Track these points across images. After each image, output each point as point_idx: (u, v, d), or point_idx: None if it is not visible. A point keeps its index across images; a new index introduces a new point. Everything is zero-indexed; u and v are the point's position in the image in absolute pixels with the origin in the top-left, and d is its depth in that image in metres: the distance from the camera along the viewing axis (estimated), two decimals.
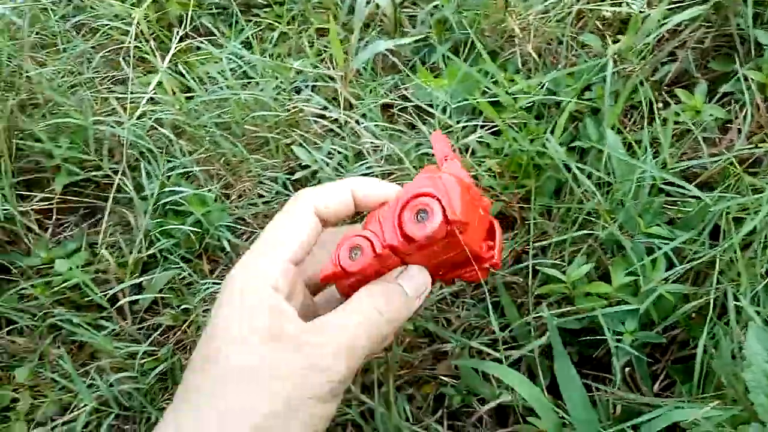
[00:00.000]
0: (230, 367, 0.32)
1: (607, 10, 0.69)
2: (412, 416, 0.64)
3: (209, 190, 0.75)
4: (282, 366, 0.32)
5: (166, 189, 0.73)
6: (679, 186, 0.57)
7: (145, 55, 0.79)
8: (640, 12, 0.64)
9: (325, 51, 0.93)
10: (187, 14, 0.90)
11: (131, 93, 0.72)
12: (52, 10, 0.84)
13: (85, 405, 0.70)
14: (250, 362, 0.33)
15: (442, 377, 0.69)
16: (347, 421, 0.69)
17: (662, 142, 0.59)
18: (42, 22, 0.81)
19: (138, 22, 0.78)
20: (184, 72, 0.80)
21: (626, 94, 0.66)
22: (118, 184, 0.78)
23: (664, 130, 0.59)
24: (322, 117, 0.78)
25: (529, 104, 0.70)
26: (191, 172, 0.75)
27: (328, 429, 0.68)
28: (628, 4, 0.66)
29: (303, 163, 0.73)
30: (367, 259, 0.37)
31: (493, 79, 0.73)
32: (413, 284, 0.37)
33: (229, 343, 0.33)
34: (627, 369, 0.54)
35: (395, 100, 0.76)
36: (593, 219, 0.64)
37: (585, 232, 0.61)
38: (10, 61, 0.78)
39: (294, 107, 0.74)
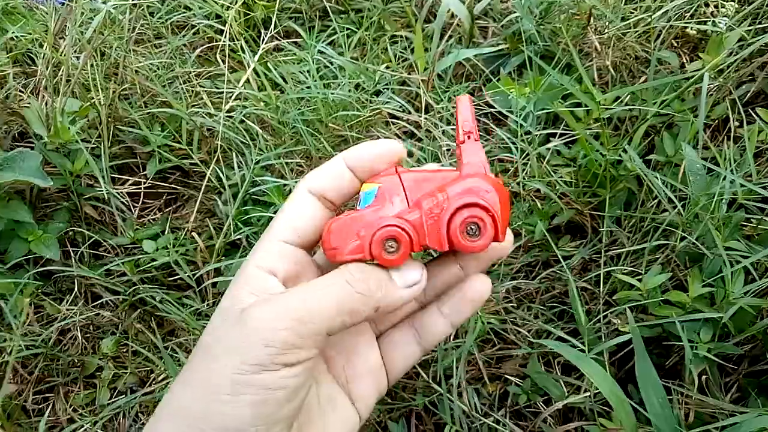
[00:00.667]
0: (195, 349, 0.35)
1: (692, 28, 0.70)
2: (479, 410, 0.66)
3: (286, 184, 0.79)
4: (228, 340, 0.33)
5: (249, 180, 0.77)
6: (761, 201, 0.58)
7: (235, 54, 0.83)
8: (727, 30, 0.65)
9: (401, 56, 0.96)
10: (271, 17, 0.94)
11: (225, 88, 0.77)
12: (150, 7, 0.90)
13: (167, 377, 0.75)
14: (206, 341, 0.34)
15: (508, 376, 0.71)
16: (411, 410, 0.72)
17: (747, 156, 0.60)
18: (144, 18, 0.86)
19: (230, 24, 0.83)
20: (270, 70, 0.85)
21: (705, 110, 0.67)
22: (203, 173, 0.83)
23: (748, 145, 0.60)
24: (399, 119, 0.81)
25: (607, 117, 0.72)
26: (274, 164, 0.79)
27: (390, 418, 0.71)
28: (714, 23, 0.67)
29: None
30: (404, 255, 0.35)
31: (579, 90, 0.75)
32: (404, 274, 0.36)
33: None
34: (704, 377, 0.55)
35: (475, 105, 0.79)
36: (667, 229, 0.65)
37: (661, 242, 0.63)
38: (110, 52, 0.84)
39: (375, 109, 0.77)
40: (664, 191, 0.62)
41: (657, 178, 0.62)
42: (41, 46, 0.87)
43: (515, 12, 0.89)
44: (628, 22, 0.75)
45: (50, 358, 0.76)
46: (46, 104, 0.81)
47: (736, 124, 0.75)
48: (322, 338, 0.32)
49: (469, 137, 0.38)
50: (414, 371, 0.71)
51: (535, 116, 0.69)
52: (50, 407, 0.75)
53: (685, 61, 0.80)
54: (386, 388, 0.40)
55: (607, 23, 0.80)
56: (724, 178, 0.61)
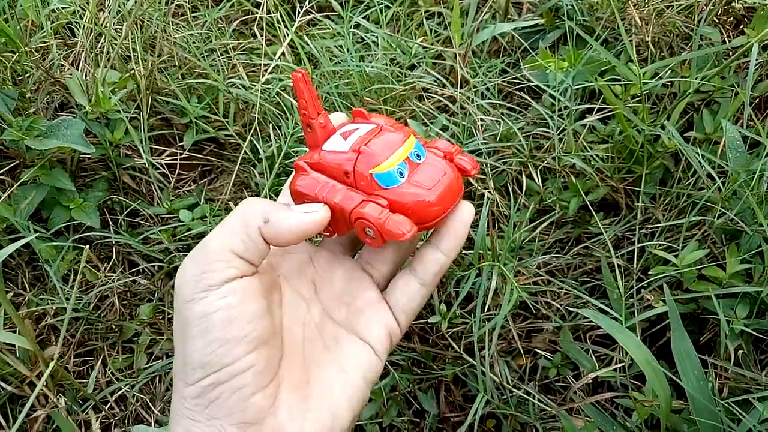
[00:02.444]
0: None
1: (738, 1, 0.69)
2: (509, 381, 0.67)
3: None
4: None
5: (285, 152, 0.77)
6: None
7: (271, 27, 0.84)
8: None
9: (435, 32, 0.96)
10: None
11: (262, 61, 0.77)
12: None
13: None
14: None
15: (538, 350, 0.71)
16: (440, 381, 0.73)
17: None
18: None
19: None
20: (306, 44, 0.85)
21: (748, 87, 0.66)
22: (237, 145, 0.84)
23: None
24: (434, 93, 0.81)
25: (646, 93, 0.71)
26: None
27: (419, 389, 0.72)
28: None
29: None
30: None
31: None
32: (305, 207, 0.37)
33: None
34: (739, 352, 0.55)
35: (511, 79, 0.79)
36: (706, 204, 0.64)
37: (699, 218, 0.62)
38: (149, 24, 0.85)
39: (409, 83, 0.77)
40: (703, 166, 0.62)
41: (698, 153, 0.62)
42: (82, 17, 0.88)
43: None
44: None
45: (90, 323, 0.78)
46: (86, 75, 0.83)
47: None
48: (232, 256, 0.34)
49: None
50: (444, 343, 0.72)
51: (573, 90, 0.68)
52: (91, 370, 0.77)
53: (727, 38, 0.79)
54: (395, 324, 0.40)
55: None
56: (766, 155, 0.60)
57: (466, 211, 0.38)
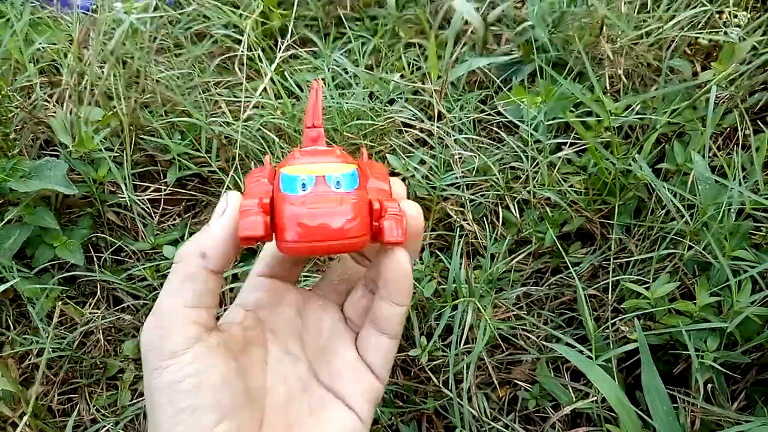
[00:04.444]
0: None
1: (704, 38, 0.71)
2: (488, 414, 0.68)
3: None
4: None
5: None
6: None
7: (252, 63, 0.85)
8: (739, 40, 0.66)
9: (414, 64, 0.98)
10: (288, 25, 0.97)
11: (243, 97, 0.79)
12: (170, 17, 0.93)
13: None
14: None
15: (517, 381, 0.72)
16: (422, 413, 0.73)
17: (756, 166, 0.60)
18: (164, 28, 0.89)
19: (248, 33, 0.85)
20: (287, 79, 0.87)
21: (716, 119, 0.68)
22: (221, 180, 0.85)
23: (757, 155, 0.61)
24: (412, 127, 0.83)
25: (618, 125, 0.73)
26: None
27: (401, 421, 0.72)
28: (726, 33, 0.67)
29: (395, 170, 0.78)
30: None
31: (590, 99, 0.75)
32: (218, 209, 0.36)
33: None
34: (709, 386, 0.56)
35: (485, 114, 0.80)
36: (675, 238, 0.66)
37: (670, 251, 0.63)
38: (132, 62, 0.86)
39: (388, 117, 0.79)
40: (672, 201, 0.63)
41: (665, 187, 0.63)
42: (66, 56, 0.90)
43: (529, 20, 0.90)
44: (640, 31, 0.76)
45: (74, 360, 0.79)
46: (70, 113, 0.84)
47: (747, 132, 0.75)
48: (186, 312, 0.34)
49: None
50: (425, 376, 0.73)
51: (546, 125, 0.70)
52: (75, 408, 0.77)
53: (697, 69, 0.81)
54: (376, 384, 0.39)
55: (619, 32, 0.80)
56: (730, 189, 0.61)
57: (402, 259, 0.36)
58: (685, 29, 0.74)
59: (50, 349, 0.65)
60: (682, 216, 0.64)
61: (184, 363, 0.33)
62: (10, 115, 0.82)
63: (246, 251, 0.83)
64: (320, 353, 0.40)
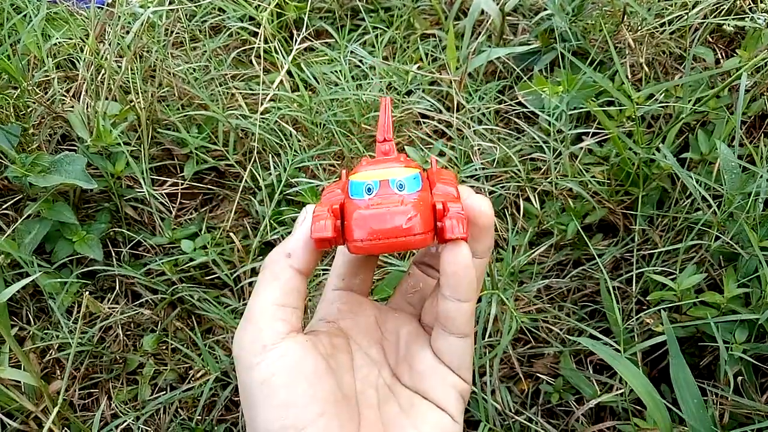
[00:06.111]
0: None
1: (729, 24, 0.69)
2: (511, 408, 0.67)
3: (319, 184, 0.80)
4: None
5: (285, 181, 0.78)
6: None
7: (268, 55, 0.85)
8: (766, 26, 0.64)
9: (431, 54, 0.97)
10: (303, 17, 0.96)
11: (260, 89, 0.78)
12: (186, 10, 0.92)
13: (205, 374, 0.77)
14: None
15: (540, 375, 0.71)
16: None
17: None
18: (180, 21, 0.89)
19: (264, 25, 0.84)
20: (303, 71, 0.86)
21: (743, 107, 0.67)
22: (238, 173, 0.85)
23: None
24: (430, 118, 0.82)
25: (641, 115, 0.71)
26: (307, 165, 0.80)
27: None
28: (752, 18, 0.66)
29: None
30: None
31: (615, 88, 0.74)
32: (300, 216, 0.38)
33: None
34: (739, 378, 0.55)
35: (505, 105, 0.79)
36: (702, 229, 0.65)
37: (695, 242, 0.62)
38: (148, 56, 0.86)
39: (406, 109, 0.78)
40: (698, 190, 0.62)
41: (691, 177, 0.62)
42: (82, 51, 0.89)
43: (547, 9, 0.89)
44: (663, 19, 0.75)
45: (94, 355, 0.79)
46: (87, 107, 0.84)
47: None
48: (274, 308, 0.35)
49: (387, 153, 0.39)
50: None
51: (568, 115, 0.69)
52: (95, 403, 0.78)
53: (720, 57, 0.79)
54: (460, 383, 0.39)
55: (641, 20, 0.79)
56: (761, 177, 0.60)
57: (461, 252, 0.36)
58: (709, 16, 0.73)
59: (75, 344, 0.65)
60: (709, 206, 0.62)
61: (276, 356, 0.33)
62: (28, 110, 0.82)
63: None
64: (401, 359, 0.41)
